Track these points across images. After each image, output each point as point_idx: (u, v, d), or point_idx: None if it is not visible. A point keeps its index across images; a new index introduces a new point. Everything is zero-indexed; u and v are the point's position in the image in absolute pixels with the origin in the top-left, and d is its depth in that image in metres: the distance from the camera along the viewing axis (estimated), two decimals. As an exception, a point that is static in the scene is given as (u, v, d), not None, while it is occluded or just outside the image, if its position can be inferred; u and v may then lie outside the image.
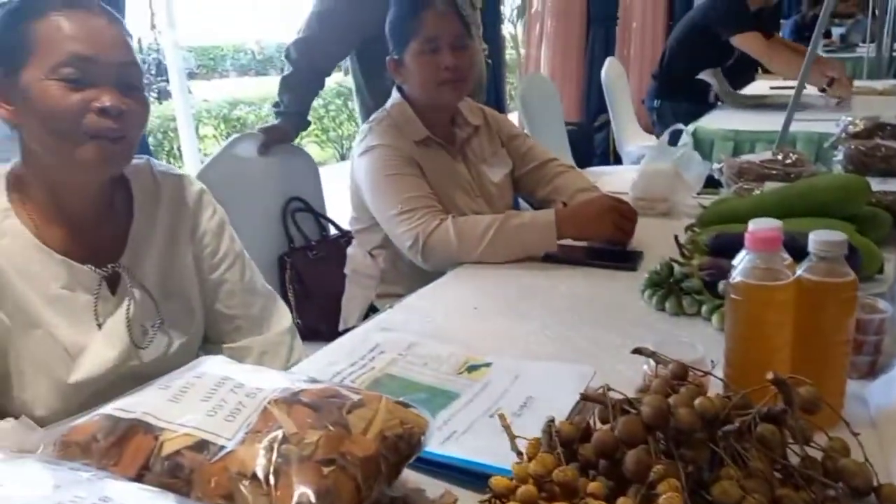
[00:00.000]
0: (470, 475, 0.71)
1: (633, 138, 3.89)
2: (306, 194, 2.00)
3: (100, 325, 0.99)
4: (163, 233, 1.08)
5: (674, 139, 2.00)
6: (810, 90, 2.89)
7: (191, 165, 4.16)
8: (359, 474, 0.56)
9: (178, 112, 3.22)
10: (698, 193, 1.77)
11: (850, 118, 2.05)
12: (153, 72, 7.36)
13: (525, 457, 0.65)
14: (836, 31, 6.98)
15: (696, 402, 0.59)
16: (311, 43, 1.98)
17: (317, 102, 2.13)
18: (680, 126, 2.13)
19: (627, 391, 0.65)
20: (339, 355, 0.99)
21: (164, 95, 7.08)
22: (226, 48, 9.97)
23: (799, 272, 0.76)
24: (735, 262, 0.77)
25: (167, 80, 3.05)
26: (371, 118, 1.63)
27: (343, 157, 7.86)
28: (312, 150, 5.98)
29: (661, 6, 5.42)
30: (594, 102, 4.43)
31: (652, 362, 0.74)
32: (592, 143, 4.43)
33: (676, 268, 1.17)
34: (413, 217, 1.46)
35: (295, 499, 0.52)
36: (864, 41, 5.92)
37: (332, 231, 2.05)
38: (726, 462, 0.58)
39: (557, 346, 1.05)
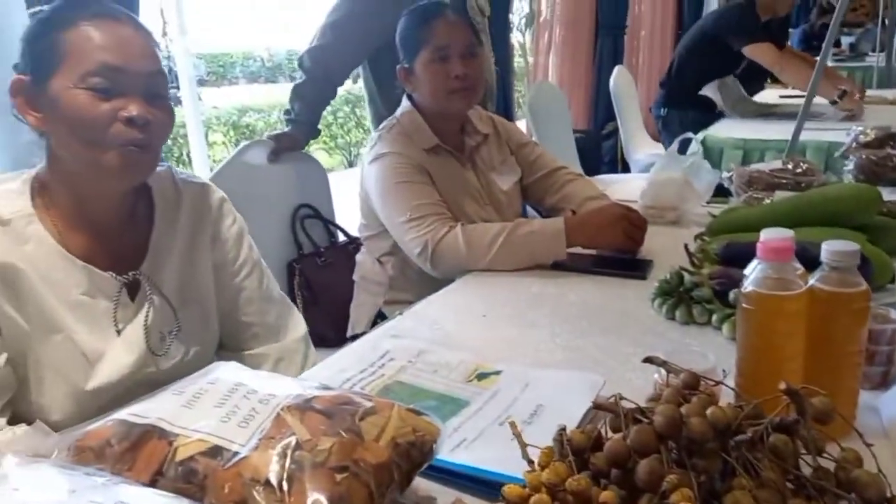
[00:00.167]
0: (480, 483, 0.71)
1: (641, 146, 3.89)
2: (315, 201, 2.01)
3: (119, 332, 1.00)
4: (183, 240, 1.08)
5: (683, 148, 2.00)
6: (820, 99, 2.89)
7: (200, 172, 4.17)
8: (372, 481, 0.56)
9: (188, 119, 3.23)
10: (708, 202, 1.77)
11: (860, 128, 2.05)
12: (165, 79, 7.40)
13: (537, 465, 0.65)
14: (846, 41, 6.95)
15: (709, 411, 0.59)
16: (325, 51, 1.99)
17: (325, 110, 2.14)
18: (689, 135, 2.13)
19: (638, 400, 0.65)
20: (349, 362, 0.99)
21: (174, 102, 7.11)
22: (235, 55, 10.01)
23: (811, 282, 0.76)
24: (747, 271, 0.77)
25: (178, 87, 3.06)
26: (381, 126, 1.64)
27: (351, 164, 7.90)
28: (321, 156, 6.00)
29: (670, 15, 5.43)
30: (602, 110, 4.43)
31: (663, 371, 0.74)
32: (601, 151, 4.43)
33: (687, 277, 1.16)
34: (422, 224, 1.46)
35: (308, 505, 0.53)
36: (873, 50, 5.90)
37: (341, 238, 2.06)
38: (738, 472, 0.57)
39: (567, 355, 1.05)
